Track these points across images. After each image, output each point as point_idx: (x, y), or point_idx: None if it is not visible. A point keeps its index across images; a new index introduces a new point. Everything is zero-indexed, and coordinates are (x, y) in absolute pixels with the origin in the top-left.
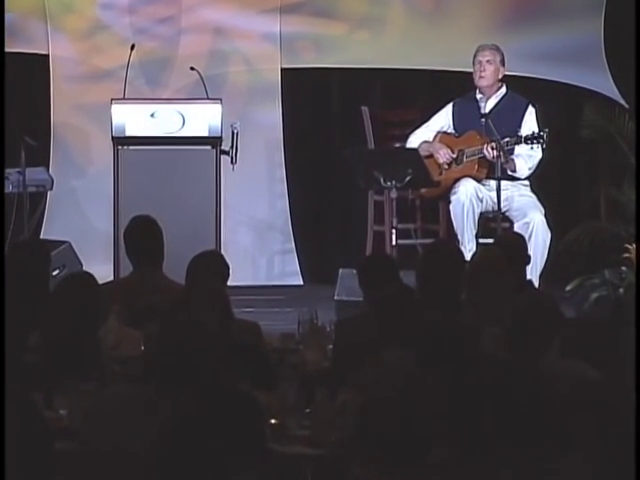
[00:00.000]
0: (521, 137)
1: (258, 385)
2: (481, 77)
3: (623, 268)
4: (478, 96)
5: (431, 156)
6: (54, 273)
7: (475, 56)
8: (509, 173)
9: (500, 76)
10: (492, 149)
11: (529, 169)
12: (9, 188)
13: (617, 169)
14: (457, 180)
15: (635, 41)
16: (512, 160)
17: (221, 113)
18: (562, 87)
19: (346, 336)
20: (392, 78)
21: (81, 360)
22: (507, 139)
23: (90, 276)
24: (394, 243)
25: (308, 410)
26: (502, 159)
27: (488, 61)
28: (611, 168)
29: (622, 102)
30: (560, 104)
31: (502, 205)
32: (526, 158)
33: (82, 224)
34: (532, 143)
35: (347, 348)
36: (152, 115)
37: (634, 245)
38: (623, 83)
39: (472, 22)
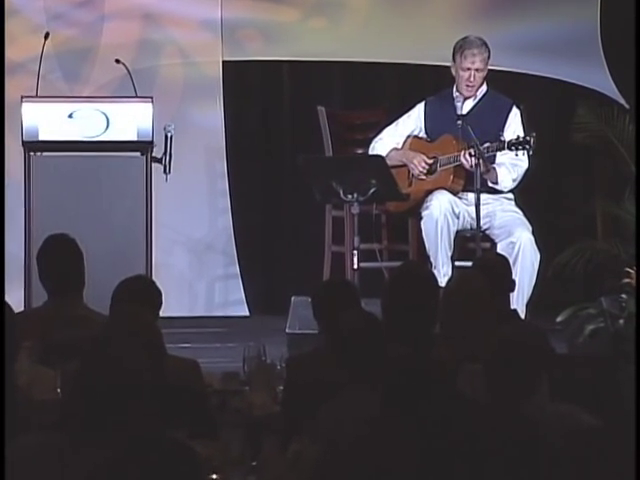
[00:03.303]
0: (504, 142)
1: (196, 433)
2: (468, 86)
3: (623, 296)
4: (454, 94)
5: (400, 166)
6: None
7: (461, 55)
8: (490, 185)
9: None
10: (470, 156)
11: (513, 180)
12: None
13: (616, 179)
14: (429, 192)
15: (635, 32)
16: (493, 169)
17: (152, 114)
18: (552, 84)
19: (299, 375)
20: (353, 73)
21: None
22: (488, 145)
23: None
24: (356, 266)
25: (255, 463)
26: (482, 168)
27: (478, 69)
28: (609, 178)
29: (621, 101)
30: (550, 104)
31: (482, 222)
32: (510, 167)
33: None
34: (517, 149)
35: (300, 389)
36: (70, 116)
37: (635, 269)
38: (622, 80)
39: (448, 8)
